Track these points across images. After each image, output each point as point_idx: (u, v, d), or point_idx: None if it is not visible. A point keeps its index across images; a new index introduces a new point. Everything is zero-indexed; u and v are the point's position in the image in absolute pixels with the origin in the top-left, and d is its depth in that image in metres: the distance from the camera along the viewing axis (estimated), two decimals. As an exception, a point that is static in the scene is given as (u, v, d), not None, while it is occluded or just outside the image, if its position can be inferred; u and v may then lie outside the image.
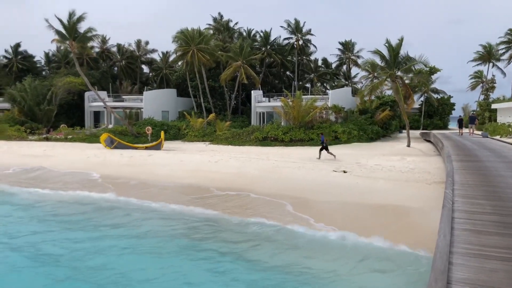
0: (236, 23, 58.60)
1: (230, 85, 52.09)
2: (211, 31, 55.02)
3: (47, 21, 33.13)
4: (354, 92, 52.48)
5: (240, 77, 45.95)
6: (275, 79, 62.88)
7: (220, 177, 20.75)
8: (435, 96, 58.49)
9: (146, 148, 31.94)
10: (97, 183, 20.26)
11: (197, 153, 27.42)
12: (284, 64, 58.86)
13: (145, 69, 66.72)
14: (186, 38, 44.59)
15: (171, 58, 57.32)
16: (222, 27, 56.82)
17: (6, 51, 60.52)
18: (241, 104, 58.71)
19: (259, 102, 48.91)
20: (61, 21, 33.85)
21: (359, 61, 58.09)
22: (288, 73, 63.43)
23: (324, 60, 65.87)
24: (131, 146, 31.69)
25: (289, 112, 38.19)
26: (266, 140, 36.61)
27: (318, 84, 63.45)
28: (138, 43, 62.16)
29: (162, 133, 33.17)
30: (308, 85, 63.31)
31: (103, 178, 21.39)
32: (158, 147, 31.74)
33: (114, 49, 61.98)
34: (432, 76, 56.93)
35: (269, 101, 50.24)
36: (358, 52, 63.27)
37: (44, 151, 29.02)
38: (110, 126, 46.24)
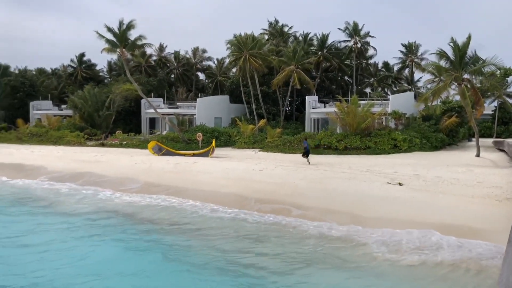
0: (290, 27, 57.29)
1: (284, 91, 50.72)
2: (266, 36, 54.14)
3: (97, 32, 34.15)
4: (418, 97, 49.07)
5: (293, 82, 44.43)
6: (332, 84, 60.61)
7: (262, 187, 19.37)
8: (511, 101, 53.35)
9: (194, 155, 31.36)
10: (137, 190, 19.74)
11: (243, 161, 26.30)
12: (342, 68, 56.53)
13: (201, 76, 67.30)
14: (239, 44, 43.94)
15: (225, 65, 57.13)
16: (276, 32, 55.71)
17: (71, 60, 63.69)
18: (296, 110, 57.10)
19: (314, 108, 47.07)
20: (111, 30, 34.48)
21: (423, 64, 54.42)
22: (346, 78, 60.92)
23: (385, 64, 62.64)
24: (178, 153, 31.26)
25: (344, 119, 36.07)
26: (318, 148, 34.74)
27: (379, 89, 60.36)
28: (195, 50, 62.76)
29: (214, 141, 32.48)
30: (367, 90, 60.43)
31: (144, 185, 20.83)
32: (206, 154, 31.04)
33: (172, 56, 62.98)
34: (507, 79, 52.04)
35: (324, 107, 48.21)
36: (422, 54, 59.44)
37: (95, 157, 29.31)
38: (164, 132, 46.57)
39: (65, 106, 54.12)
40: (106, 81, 66.98)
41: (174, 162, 25.89)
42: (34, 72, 65.53)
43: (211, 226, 14.23)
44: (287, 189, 18.83)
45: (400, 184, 18.79)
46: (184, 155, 31.14)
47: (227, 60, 51.20)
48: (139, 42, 35.81)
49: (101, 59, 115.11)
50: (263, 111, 48.22)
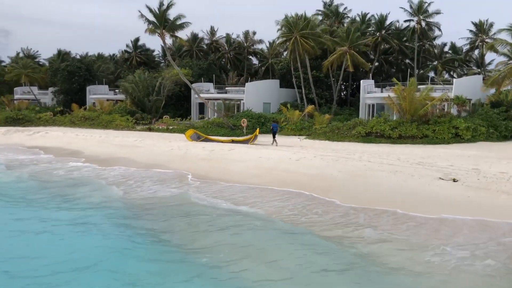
0: (345, 8, 53.79)
1: (338, 75, 47.85)
2: (320, 17, 51.25)
3: (140, 12, 33.46)
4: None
5: (345, 64, 41.56)
6: (391, 67, 56.62)
7: (294, 178, 17.62)
8: None
9: (233, 141, 30.00)
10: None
11: (283, 149, 24.55)
12: (402, 50, 52.38)
13: (254, 60, 65.68)
14: (289, 24, 41.74)
15: (274, 47, 55.13)
16: (331, 12, 52.58)
17: (127, 45, 64.49)
18: (351, 95, 54.04)
19: (369, 92, 43.98)
20: (151, 10, 33.75)
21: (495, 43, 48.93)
22: (407, 61, 56.55)
23: (452, 45, 57.16)
24: (216, 140, 30.02)
25: (400, 104, 33.00)
26: (369, 136, 32.07)
27: (444, 73, 55.47)
28: (246, 34, 61.09)
29: (258, 130, 30.84)
30: (431, 74, 55.79)
31: (174, 174, 19.81)
32: (246, 142, 29.60)
33: (223, 40, 61.84)
34: None
35: (381, 92, 44.88)
36: (495, 34, 53.50)
37: (135, 142, 28.92)
38: (212, 117, 45.72)
39: (118, 90, 54.97)
40: (162, 65, 67.33)
41: (210, 149, 24.71)
42: (94, 58, 67.41)
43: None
44: (322, 182, 16.93)
45: (454, 180, 16.18)
46: (222, 141, 29.91)
47: (277, 43, 48.94)
48: (178, 22, 34.82)
49: (157, 44, 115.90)
50: (314, 96, 45.83)
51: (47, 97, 61.74)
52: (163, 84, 49.00)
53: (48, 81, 59.12)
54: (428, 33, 51.23)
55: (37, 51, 71.52)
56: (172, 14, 35.02)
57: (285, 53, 51.14)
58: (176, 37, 36.19)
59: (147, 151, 25.39)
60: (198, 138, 29.95)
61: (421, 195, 14.71)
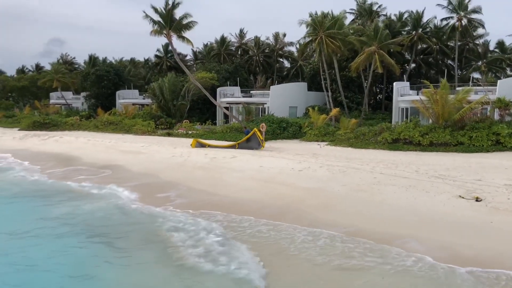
0: (380, 6, 50.46)
1: (372, 76, 44.77)
2: (352, 16, 48.54)
3: (144, 12, 32.26)
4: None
5: (373, 65, 38.55)
6: (430, 68, 52.69)
7: (288, 193, 15.43)
8: None
9: (238, 145, 27.99)
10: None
11: (289, 157, 22.29)
12: (442, 50, 48.53)
13: (286, 63, 63.56)
14: (314, 24, 39.35)
15: (299, 48, 52.66)
16: (364, 11, 49.52)
17: (157, 50, 64.31)
18: (386, 98, 50.65)
19: (402, 95, 40.68)
20: (156, 9, 32.35)
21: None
22: (448, 61, 52.43)
23: (500, 43, 52.44)
24: (217, 147, 28.03)
25: (432, 108, 29.76)
26: (397, 143, 29.05)
27: (490, 74, 50.89)
28: (276, 36, 59.17)
29: (256, 130, 28.59)
30: (475, 74, 51.40)
31: (163, 184, 18.11)
32: (250, 143, 27.58)
33: (252, 43, 60.18)
34: None
35: (417, 94, 41.41)
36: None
37: (140, 148, 27.63)
38: (234, 122, 44.01)
39: (146, 95, 54.62)
40: (194, 69, 66.67)
41: (212, 156, 22.93)
42: (126, 63, 67.81)
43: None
44: (318, 198, 14.62)
45: (477, 200, 13.38)
46: (224, 147, 28.03)
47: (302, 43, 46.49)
48: (185, 21, 33.30)
49: (188, 49, 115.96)
50: (343, 99, 43.07)
51: (79, 102, 62.56)
52: (188, 88, 47.95)
53: (79, 86, 59.85)
54: (470, 31, 47.05)
55: (74, 57, 73.00)
56: (178, 13, 33.72)
57: (314, 55, 48.57)
58: (184, 38, 34.66)
59: (147, 158, 23.98)
60: (201, 146, 28.10)
61: (433, 217, 12.10)
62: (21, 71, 78.01)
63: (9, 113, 56.05)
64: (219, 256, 10.14)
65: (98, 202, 15.46)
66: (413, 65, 51.12)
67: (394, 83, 41.56)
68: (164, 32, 33.05)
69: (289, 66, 63.66)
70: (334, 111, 37.07)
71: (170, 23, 32.89)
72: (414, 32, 46.59)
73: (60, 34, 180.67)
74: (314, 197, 14.70)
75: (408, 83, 42.96)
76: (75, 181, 18.99)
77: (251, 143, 27.57)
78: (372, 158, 22.37)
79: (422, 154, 25.87)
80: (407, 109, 40.25)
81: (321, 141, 33.78)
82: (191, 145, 27.70)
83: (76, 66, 70.25)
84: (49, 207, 15.06)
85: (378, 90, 54.18)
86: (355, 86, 46.00)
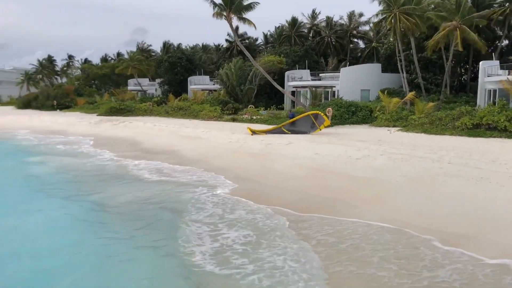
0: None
1: (454, 56, 40.62)
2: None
3: None
4: None
5: (453, 43, 34.65)
6: (528, 45, 46.63)
7: (338, 183, 14.01)
8: None
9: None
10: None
11: (351, 144, 20.64)
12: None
13: (360, 44, 60.15)
14: (388, 0, 36.30)
15: (371, 26, 49.36)
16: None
17: (228, 34, 64.14)
18: (471, 79, 45.83)
19: (489, 75, 36.33)
20: None
21: None
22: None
23: None
24: (264, 131, 26.94)
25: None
26: (478, 129, 25.83)
27: None
28: (351, 15, 55.95)
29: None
30: None
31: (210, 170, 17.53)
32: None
33: (324, 24, 57.59)
34: None
35: (508, 73, 36.76)
36: None
37: (201, 133, 27.46)
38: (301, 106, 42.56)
39: (215, 80, 54.88)
40: (265, 53, 65.90)
41: (267, 142, 22.00)
42: (198, 49, 68.79)
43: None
44: (370, 190, 13.07)
45: None
46: (268, 131, 27.04)
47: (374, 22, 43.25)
48: (245, 2, 32.09)
49: (258, 32, 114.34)
50: (420, 81, 39.62)
51: (153, 88, 64.74)
52: (255, 73, 47.22)
53: (153, 73, 61.80)
54: None
55: (150, 45, 75.51)
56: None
57: (391, 35, 45.18)
58: (245, 19, 33.57)
59: (204, 144, 23.66)
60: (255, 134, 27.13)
61: (506, 216, 10.08)
62: (104, 59, 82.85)
63: (91, 100, 59.64)
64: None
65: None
66: (505, 42, 45.58)
67: (481, 62, 37.21)
68: (224, 14, 32.34)
69: (363, 47, 60.23)
70: (410, 94, 34.13)
71: (230, 4, 32.10)
72: (508, 3, 41.25)
73: (143, 23, 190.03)
74: (366, 189, 13.15)
75: (497, 62, 38.28)
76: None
77: (298, 127, 26.60)
78: (445, 145, 19.92)
79: (507, 141, 22.69)
80: (494, 91, 35.84)
81: (393, 127, 31.31)
82: (248, 131, 26.88)
83: (153, 54, 72.65)
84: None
85: (463, 71, 49.29)
86: (435, 67, 42.09)
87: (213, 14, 32.62)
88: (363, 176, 14.41)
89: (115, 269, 8.68)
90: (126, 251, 9.43)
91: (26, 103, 65.22)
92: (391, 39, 44.03)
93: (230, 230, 10.49)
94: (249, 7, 33.16)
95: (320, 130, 26.68)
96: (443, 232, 9.60)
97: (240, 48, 60.15)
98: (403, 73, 40.51)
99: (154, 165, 19.02)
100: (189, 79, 57.84)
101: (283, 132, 26.77)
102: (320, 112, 27.71)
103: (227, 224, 10.88)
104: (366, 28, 56.56)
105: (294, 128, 26.84)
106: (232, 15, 32.83)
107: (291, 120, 27.97)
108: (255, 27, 34.77)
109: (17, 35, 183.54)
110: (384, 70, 45.42)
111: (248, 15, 34.14)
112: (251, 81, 47.89)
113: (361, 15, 56.04)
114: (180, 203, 13.03)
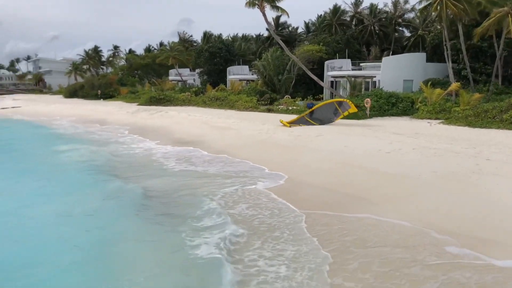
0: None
1: (509, 44, 37.82)
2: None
3: None
4: None
5: (506, 30, 32.13)
6: None
7: (362, 178, 13.23)
8: None
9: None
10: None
11: (384, 136, 19.59)
12: None
13: (406, 32, 57.43)
14: (434, -16, 34.24)
15: (414, 13, 46.87)
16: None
17: (268, 23, 63.12)
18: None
19: (545, 65, 33.63)
20: None
21: None
22: None
23: None
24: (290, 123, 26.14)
25: None
26: (523, 122, 23.91)
27: None
28: (396, 2, 53.47)
29: (345, 99, 25.88)
30: None
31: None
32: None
33: (367, 11, 55.44)
34: None
35: None
36: None
37: (232, 123, 27.16)
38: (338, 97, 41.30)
39: (253, 70, 54.40)
40: (306, 42, 64.58)
41: (297, 134, 21.35)
42: (238, 39, 68.44)
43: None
44: (396, 186, 12.23)
45: None
46: (292, 122, 26.24)
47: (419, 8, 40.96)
48: None
49: (299, 21, 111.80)
50: (468, 71, 37.27)
51: (193, 78, 65.20)
52: (293, 62, 46.28)
53: (193, 63, 62.14)
54: None
55: (191, 35, 76.03)
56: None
57: (437, 22, 42.84)
58: (278, 7, 32.66)
59: (234, 134, 23.36)
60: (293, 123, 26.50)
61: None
62: (148, 49, 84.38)
63: (134, 89, 60.91)
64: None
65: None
66: None
67: (535, 51, 34.54)
68: (257, 3, 31.64)
69: (409, 35, 57.58)
70: (454, 85, 32.16)
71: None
72: None
73: (189, 14, 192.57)
74: (392, 185, 12.29)
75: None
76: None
77: (321, 115, 26.17)
78: (486, 140, 18.47)
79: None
80: (551, 81, 33.25)
81: (435, 119, 29.65)
82: (284, 123, 26.19)
83: (195, 44, 73.07)
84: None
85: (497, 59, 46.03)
86: (486, 56, 39.43)
87: (246, 3, 32.03)
88: (391, 171, 13.49)
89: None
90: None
91: (72, 93, 67.71)
92: (438, 27, 41.70)
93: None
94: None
95: (344, 116, 25.98)
96: (467, 237, 8.70)
97: (280, 37, 59.43)
98: (449, 62, 38.28)
99: (183, 153, 19.05)
100: (228, 69, 57.69)
101: (310, 123, 26.00)
102: (346, 99, 26.91)
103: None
104: (412, 15, 53.97)
105: (318, 117, 26.32)
106: (265, 4, 32.09)
107: (311, 109, 27.35)
108: (287, 14, 34.07)
109: (70, 28, 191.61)
110: (430, 59, 43.15)
111: (282, 3, 33.40)
112: (289, 71, 47.06)
113: (406, 1, 53.51)
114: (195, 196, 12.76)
